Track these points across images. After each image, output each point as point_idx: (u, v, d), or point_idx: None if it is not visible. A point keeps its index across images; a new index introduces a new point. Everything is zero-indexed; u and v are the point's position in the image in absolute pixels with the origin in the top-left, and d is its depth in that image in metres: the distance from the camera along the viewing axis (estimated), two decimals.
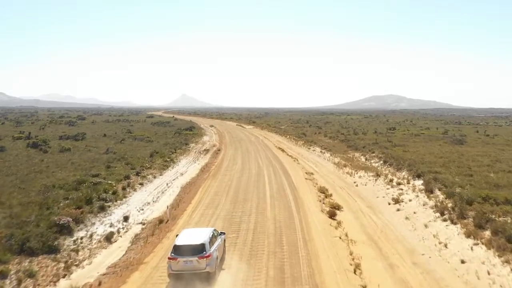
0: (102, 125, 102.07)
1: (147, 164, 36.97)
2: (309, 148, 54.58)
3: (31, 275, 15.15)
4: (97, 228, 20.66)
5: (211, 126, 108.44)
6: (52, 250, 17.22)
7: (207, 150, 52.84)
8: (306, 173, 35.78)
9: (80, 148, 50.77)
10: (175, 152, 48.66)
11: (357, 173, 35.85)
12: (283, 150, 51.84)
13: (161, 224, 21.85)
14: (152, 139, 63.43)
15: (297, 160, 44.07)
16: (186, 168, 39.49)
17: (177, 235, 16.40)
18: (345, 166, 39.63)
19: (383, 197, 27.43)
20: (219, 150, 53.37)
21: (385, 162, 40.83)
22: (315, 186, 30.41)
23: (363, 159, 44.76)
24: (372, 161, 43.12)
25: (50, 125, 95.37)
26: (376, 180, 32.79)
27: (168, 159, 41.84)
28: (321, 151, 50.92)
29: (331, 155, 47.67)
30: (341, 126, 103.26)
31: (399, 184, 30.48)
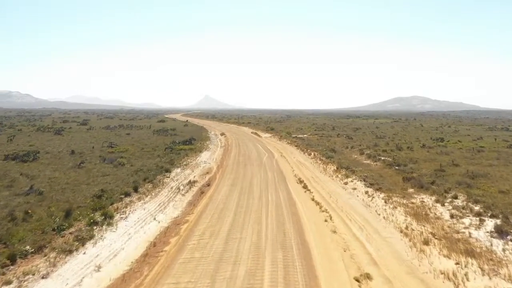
0: (95, 133, 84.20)
1: (29, 249, 17.43)
2: (345, 183, 33.96)
3: None
4: None
5: (222, 134, 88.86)
6: None
7: (192, 183, 33.33)
8: (356, 278, 15.58)
9: (1, 180, 32.21)
10: (136, 192, 29.35)
11: (465, 274, 15.61)
12: (306, 187, 31.74)
13: None
14: (128, 160, 44.55)
15: (331, 215, 23.89)
16: (124, 240, 19.96)
17: None
18: (426, 242, 19.30)
19: None
20: (208, 184, 33.69)
21: (500, 232, 20.44)
22: None
23: (445, 213, 24.34)
24: (464, 220, 22.74)
25: (33, 134, 77.88)
26: None
27: (102, 217, 22.45)
28: (366, 191, 30.42)
29: (385, 201, 27.28)
30: (375, 135, 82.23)
31: None
